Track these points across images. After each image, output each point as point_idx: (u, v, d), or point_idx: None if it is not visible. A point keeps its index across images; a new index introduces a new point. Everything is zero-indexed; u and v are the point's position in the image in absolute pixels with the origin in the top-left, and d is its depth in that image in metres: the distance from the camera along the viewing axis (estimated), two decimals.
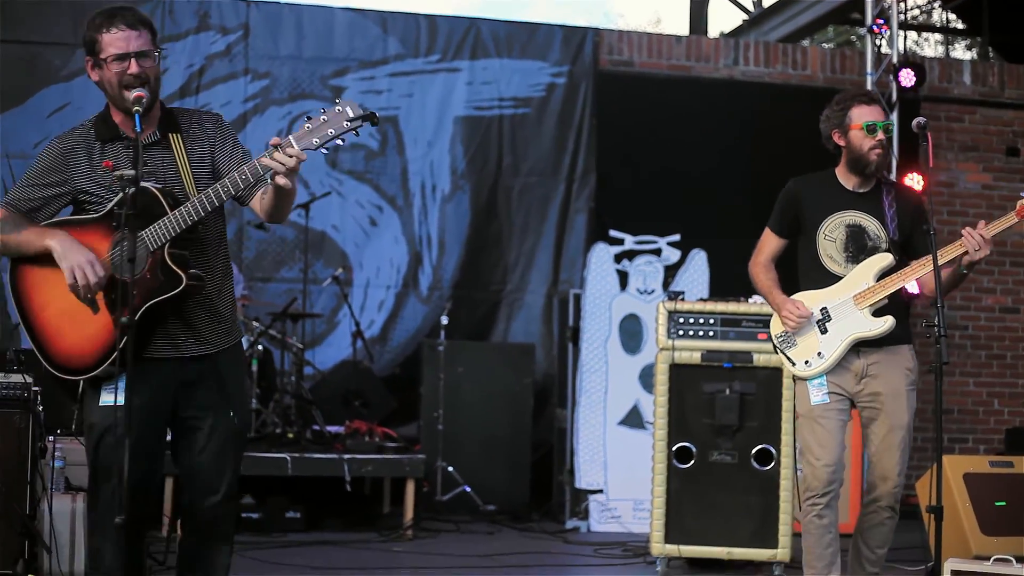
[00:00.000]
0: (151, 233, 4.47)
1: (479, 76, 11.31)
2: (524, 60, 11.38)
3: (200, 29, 10.98)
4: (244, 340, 9.54)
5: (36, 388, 7.32)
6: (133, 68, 4.55)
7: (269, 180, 4.45)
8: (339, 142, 4.37)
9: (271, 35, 11.06)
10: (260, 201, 4.63)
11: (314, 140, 4.35)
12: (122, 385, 4.52)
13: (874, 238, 5.86)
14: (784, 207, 6.10)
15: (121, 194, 4.44)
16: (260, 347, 9.78)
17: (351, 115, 4.33)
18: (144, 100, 4.50)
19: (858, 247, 5.86)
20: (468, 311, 10.91)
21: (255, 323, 9.87)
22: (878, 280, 5.79)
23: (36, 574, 6.90)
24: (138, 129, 4.45)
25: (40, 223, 4.70)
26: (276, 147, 4.36)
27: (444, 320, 10.06)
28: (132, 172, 4.32)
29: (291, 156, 4.34)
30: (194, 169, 4.68)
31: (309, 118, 4.36)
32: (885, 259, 5.82)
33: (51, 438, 7.83)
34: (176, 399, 4.68)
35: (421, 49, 11.23)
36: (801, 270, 6.04)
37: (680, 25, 12.23)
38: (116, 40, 4.57)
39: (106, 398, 4.61)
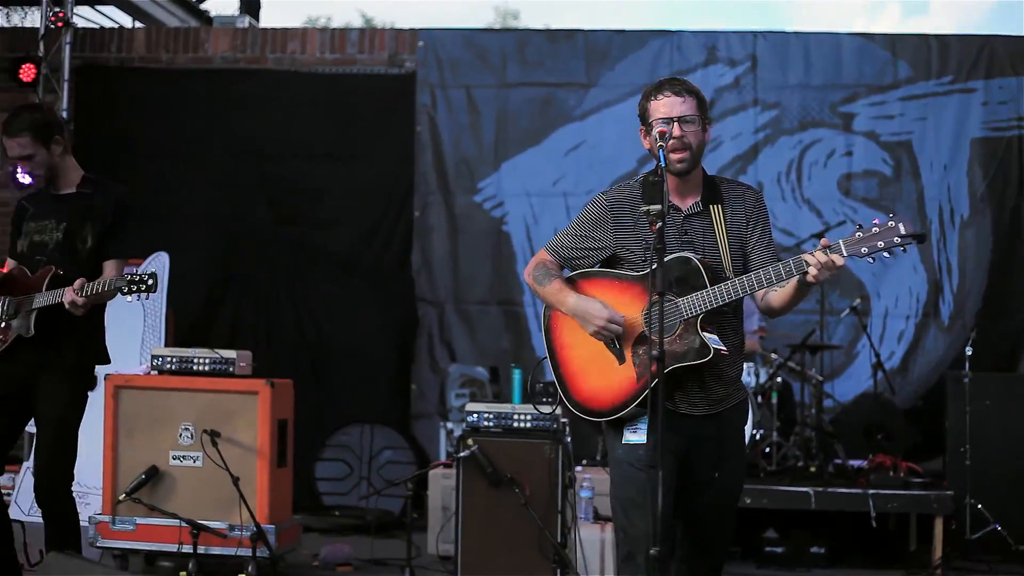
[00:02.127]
0: (687, 303, 4.66)
1: (995, 96, 10.88)
2: None
3: (708, 63, 11.12)
4: (763, 372, 9.58)
5: (564, 420, 7.57)
6: (676, 131, 4.72)
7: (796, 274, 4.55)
8: (885, 255, 4.47)
9: (779, 65, 11.05)
10: (776, 295, 4.76)
11: (862, 249, 4.48)
12: (642, 426, 4.74)
13: None
14: None
15: (670, 257, 4.65)
16: (779, 379, 9.73)
17: (903, 232, 4.44)
18: (666, 136, 4.70)
19: None
20: (993, 340, 10.44)
21: (773, 355, 9.86)
22: None
23: None
24: (662, 163, 4.61)
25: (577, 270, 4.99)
26: (826, 249, 4.47)
27: (968, 351, 9.67)
28: (658, 207, 4.43)
29: (834, 261, 4.46)
30: (731, 243, 4.81)
31: (861, 226, 4.49)
32: None
33: (579, 468, 8.08)
34: (687, 450, 4.79)
35: (933, 71, 10.91)
36: None
37: None
38: (661, 106, 4.78)
39: (629, 437, 4.83)
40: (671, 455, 4.59)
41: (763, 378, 9.63)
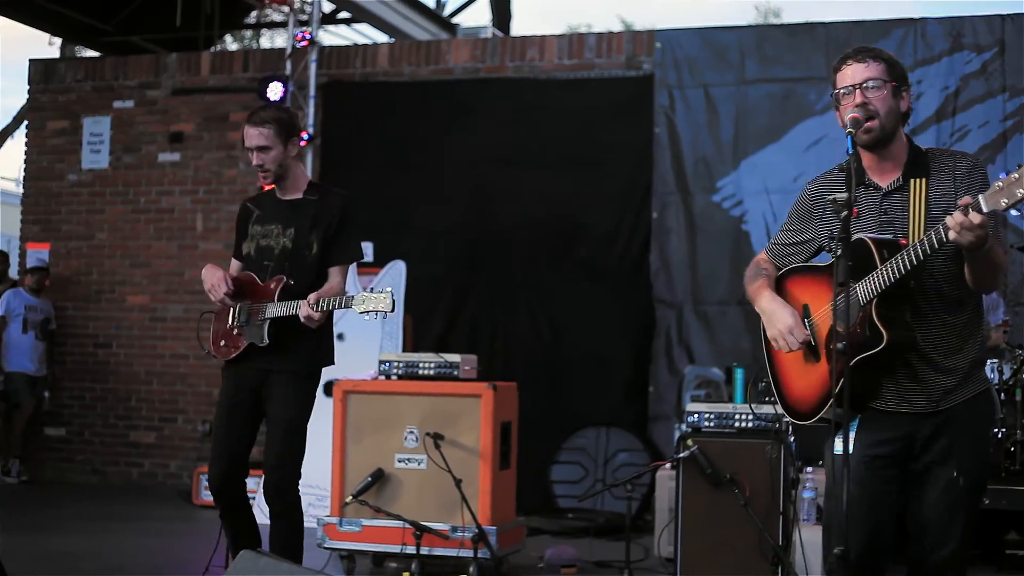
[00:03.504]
0: (863, 287, 4.36)
1: None
2: None
3: (954, 50, 10.76)
4: (1007, 368, 9.23)
5: (787, 419, 7.45)
6: (858, 98, 4.47)
7: None
8: None
9: None
10: (965, 265, 4.39)
11: (1003, 200, 4.03)
12: (851, 434, 4.48)
13: None
14: None
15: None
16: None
17: None
18: (859, 121, 4.40)
19: None
20: None
21: (1019, 350, 9.48)
22: None
23: None
24: (850, 150, 4.35)
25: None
26: (965, 208, 4.08)
27: None
28: (844, 195, 4.23)
29: (971, 219, 4.07)
30: (929, 219, 4.45)
31: (1006, 173, 4.04)
32: None
33: (808, 470, 7.95)
34: (908, 451, 4.53)
35: None
36: None
37: None
38: (845, 76, 4.54)
39: (837, 446, 4.55)
40: (882, 460, 4.41)
41: (1007, 374, 9.27)
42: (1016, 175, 4.01)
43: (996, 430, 8.95)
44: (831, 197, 4.31)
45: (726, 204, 11.09)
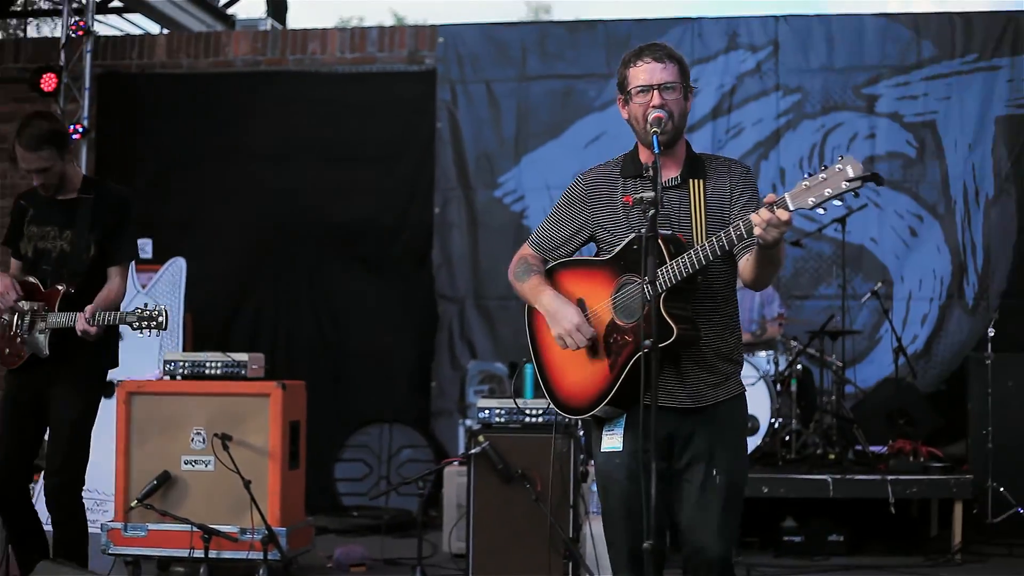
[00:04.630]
0: (647, 284, 4.36)
1: (1021, 73, 10.71)
2: None
3: (729, 49, 11.05)
4: (783, 359, 9.52)
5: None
6: (655, 99, 4.51)
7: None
8: (836, 202, 4.12)
9: (801, 48, 10.97)
10: (745, 261, 4.50)
11: (809, 200, 4.12)
12: (618, 430, 4.61)
13: None
14: None
15: (632, 236, 4.50)
16: (799, 367, 9.66)
17: (851, 175, 4.06)
18: (663, 121, 4.46)
19: None
20: (1018, 321, 10.29)
21: (793, 342, 9.81)
22: None
23: None
24: (656, 150, 4.41)
25: (558, 260, 4.82)
26: (771, 205, 4.15)
27: (991, 332, 9.55)
28: (651, 194, 4.25)
29: (778, 216, 4.14)
30: (709, 218, 4.58)
31: (809, 175, 4.14)
32: None
33: (592, 462, 8.05)
34: (670, 448, 4.62)
35: (957, 49, 10.78)
36: None
37: None
38: (641, 73, 4.57)
39: (606, 443, 4.68)
40: (651, 453, 4.34)
41: (783, 365, 9.56)
42: (824, 175, 4.11)
43: (773, 420, 9.23)
44: (637, 196, 4.33)
45: (507, 199, 11.14)
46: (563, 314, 4.63)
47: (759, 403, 9.15)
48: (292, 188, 11.19)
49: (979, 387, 9.43)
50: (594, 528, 7.55)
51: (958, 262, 10.63)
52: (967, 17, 10.83)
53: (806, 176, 4.15)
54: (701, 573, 4.60)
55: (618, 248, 4.60)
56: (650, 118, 4.48)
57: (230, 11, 13.57)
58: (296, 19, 11.98)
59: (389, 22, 26.94)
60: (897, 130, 10.80)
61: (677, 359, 4.55)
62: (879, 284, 10.14)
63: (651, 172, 4.34)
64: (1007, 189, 10.63)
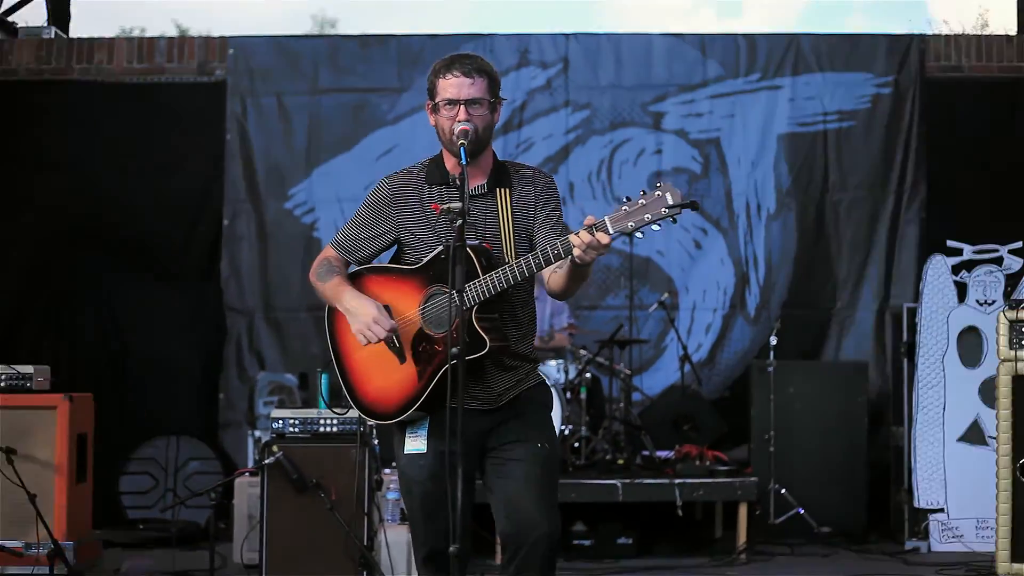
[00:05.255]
0: (465, 294, 4.38)
1: (801, 92, 11.10)
2: (848, 73, 11.10)
3: (520, 65, 11.18)
4: (573, 368, 9.67)
5: (372, 423, 7.53)
6: (461, 115, 4.57)
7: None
8: (655, 227, 4.22)
9: (590, 66, 11.16)
10: (553, 273, 4.57)
11: (629, 224, 4.21)
12: (422, 432, 4.66)
13: None
14: None
15: (441, 247, 4.55)
16: (588, 375, 9.82)
17: (670, 202, 4.17)
18: (468, 134, 4.52)
19: None
20: (798, 331, 10.67)
21: (583, 351, 9.95)
22: None
23: None
24: (464, 161, 4.48)
25: (365, 264, 4.84)
26: (591, 228, 4.24)
27: (773, 340, 9.86)
28: (459, 205, 4.29)
29: (599, 239, 4.23)
30: (516, 227, 4.66)
31: (628, 199, 4.23)
32: None
33: (387, 470, 8.07)
34: (480, 448, 4.68)
35: (741, 69, 11.11)
36: None
37: (1008, 25, 11.81)
38: (449, 86, 4.61)
39: (409, 445, 4.71)
40: (454, 456, 4.33)
41: (572, 374, 9.71)
42: (643, 200, 4.21)
43: (563, 427, 9.36)
44: (445, 207, 4.35)
45: (297, 211, 11.07)
46: (362, 310, 4.64)
47: None
48: (79, 198, 10.91)
49: (761, 393, 9.75)
50: (389, 536, 7.57)
51: (741, 274, 10.95)
52: (751, 39, 11.17)
53: (625, 200, 4.23)
54: (530, 550, 4.58)
55: (427, 258, 4.64)
56: (456, 131, 4.54)
57: (11, 19, 13.20)
58: (77, 27, 11.65)
59: (172, 32, 26.62)
60: (683, 146, 11.08)
61: (483, 366, 4.61)
62: (665, 295, 10.41)
63: (459, 182, 4.43)
64: (787, 204, 10.97)
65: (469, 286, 4.43)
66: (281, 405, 9.87)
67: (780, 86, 11.11)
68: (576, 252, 4.26)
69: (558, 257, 4.36)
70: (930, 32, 11.60)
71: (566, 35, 11.19)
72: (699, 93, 11.14)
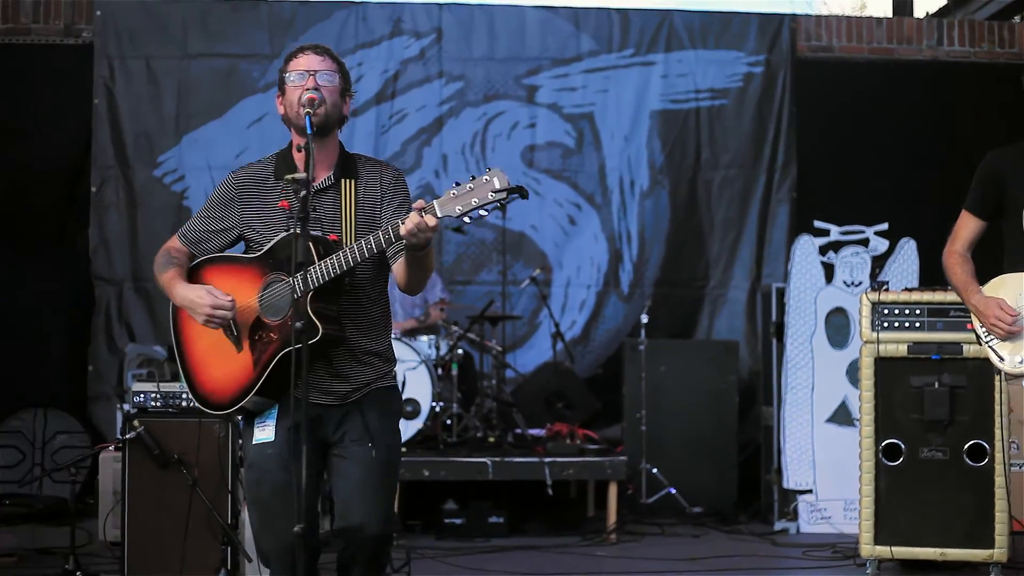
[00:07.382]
0: (299, 281, 4.36)
1: (674, 69, 11.15)
2: (720, 51, 11.18)
3: (394, 34, 11.05)
4: (444, 344, 9.61)
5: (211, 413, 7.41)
6: (310, 83, 4.54)
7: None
8: (482, 212, 4.20)
9: (464, 37, 11.08)
10: (399, 267, 4.56)
11: (456, 208, 4.21)
12: (270, 422, 4.61)
13: None
14: (984, 184, 5.68)
15: (281, 234, 4.53)
16: (460, 351, 9.78)
17: (497, 187, 4.15)
18: (316, 102, 4.49)
19: None
20: (670, 309, 10.75)
21: (454, 327, 9.90)
22: None
23: None
24: (309, 130, 4.43)
25: (206, 255, 4.75)
26: (420, 211, 4.23)
27: (644, 319, 9.89)
28: (303, 175, 4.28)
29: (426, 222, 4.22)
30: (359, 219, 4.63)
31: (457, 184, 4.22)
32: None
33: None
34: (326, 434, 4.65)
35: (615, 44, 11.11)
36: (1008, 255, 5.64)
37: (885, 8, 11.93)
38: (300, 64, 4.62)
39: (258, 435, 4.65)
40: (306, 446, 4.28)
41: (444, 350, 9.65)
42: (471, 185, 4.21)
43: (434, 404, 9.31)
44: (289, 176, 4.34)
45: (168, 179, 10.86)
46: (196, 299, 4.58)
47: (420, 387, 9.22)
48: None
49: (633, 372, 9.79)
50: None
51: (614, 250, 10.97)
52: (624, 14, 11.16)
53: (454, 185, 4.22)
54: (359, 551, 4.63)
55: (267, 247, 4.59)
56: (304, 99, 4.50)
57: None
58: None
59: None
60: (557, 120, 11.06)
61: (328, 356, 4.58)
62: (538, 270, 10.39)
63: (304, 152, 4.39)
64: (660, 181, 11.01)
65: (304, 273, 4.36)
66: (151, 378, 9.66)
67: (653, 62, 11.14)
68: (403, 231, 4.25)
69: (389, 241, 4.36)
70: (812, 13, 11.63)
71: (439, 4, 11.10)
72: (573, 67, 11.13)
